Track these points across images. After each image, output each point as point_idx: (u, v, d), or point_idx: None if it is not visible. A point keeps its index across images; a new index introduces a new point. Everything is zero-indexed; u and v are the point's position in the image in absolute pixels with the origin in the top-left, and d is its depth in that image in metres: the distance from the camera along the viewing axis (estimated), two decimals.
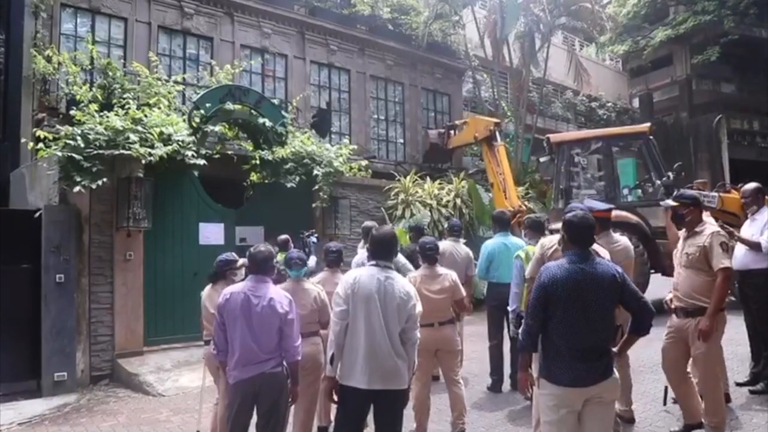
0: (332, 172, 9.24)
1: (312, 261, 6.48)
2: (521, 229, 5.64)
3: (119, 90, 8.43)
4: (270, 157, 8.85)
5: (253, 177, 8.99)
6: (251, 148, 9.26)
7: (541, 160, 11.46)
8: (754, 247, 4.84)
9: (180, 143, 7.55)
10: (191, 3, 11.71)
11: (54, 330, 6.52)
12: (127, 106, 7.57)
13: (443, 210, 10.86)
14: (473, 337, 6.68)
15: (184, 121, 8.25)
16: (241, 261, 4.61)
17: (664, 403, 4.65)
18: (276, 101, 10.54)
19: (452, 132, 13.49)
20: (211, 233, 8.05)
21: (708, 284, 3.86)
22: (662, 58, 24.04)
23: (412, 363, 3.24)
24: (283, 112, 9.70)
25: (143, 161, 7.07)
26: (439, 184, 11.59)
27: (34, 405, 6.06)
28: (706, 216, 4.91)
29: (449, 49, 16.33)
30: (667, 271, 7.20)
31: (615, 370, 2.87)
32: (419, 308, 3.23)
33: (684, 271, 4.00)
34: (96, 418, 5.61)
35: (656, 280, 8.51)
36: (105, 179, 6.77)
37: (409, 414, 3.86)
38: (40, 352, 6.46)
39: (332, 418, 3.78)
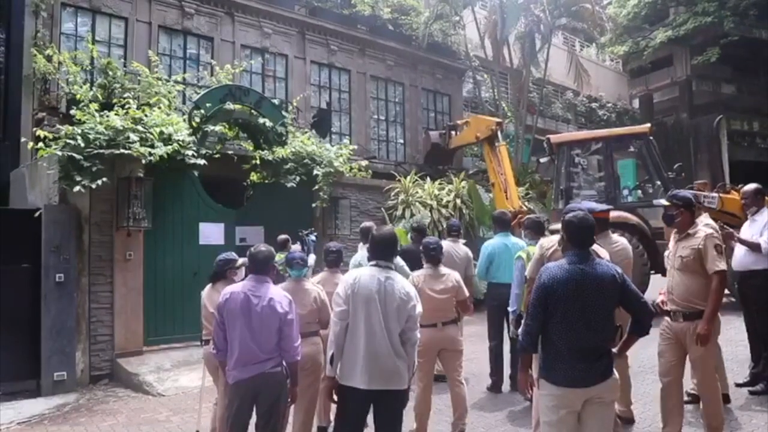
0: (332, 172, 9.24)
1: (311, 259, 6.48)
2: (521, 230, 5.63)
3: (119, 90, 8.44)
4: (270, 157, 8.85)
5: (253, 177, 8.99)
6: (251, 148, 9.26)
7: (541, 160, 11.46)
8: (754, 248, 4.83)
9: (180, 143, 7.55)
10: (192, 3, 11.72)
11: (54, 330, 6.52)
12: (127, 106, 7.56)
13: (443, 210, 10.85)
14: (473, 338, 6.68)
15: (184, 121, 8.25)
16: (241, 260, 4.61)
17: None
18: (276, 101, 10.54)
19: (453, 132, 13.48)
20: (211, 233, 8.04)
21: (704, 287, 3.80)
22: (662, 59, 24.05)
23: (412, 363, 3.24)
24: (284, 112, 9.71)
25: (143, 161, 7.07)
26: (439, 184, 11.59)
27: (33, 404, 6.06)
28: (705, 217, 4.92)
29: (449, 50, 16.35)
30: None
31: (615, 370, 2.87)
32: (419, 309, 3.23)
33: (678, 274, 3.93)
34: (96, 418, 5.60)
35: (656, 280, 8.50)
36: (105, 179, 6.76)
37: (409, 414, 3.86)
38: (39, 351, 6.45)
39: (332, 418, 3.79)
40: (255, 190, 9.11)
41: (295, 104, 11.53)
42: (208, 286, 4.58)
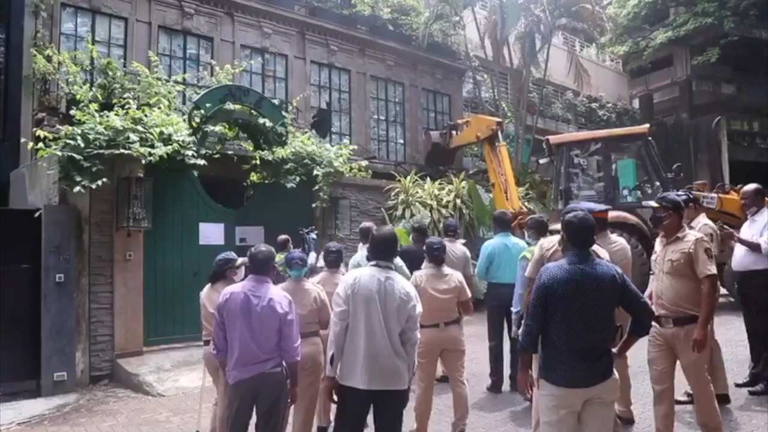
0: (332, 172, 9.24)
1: (312, 258, 6.47)
2: (521, 231, 5.63)
3: (119, 90, 8.43)
4: (270, 158, 8.85)
5: (253, 177, 8.99)
6: (251, 148, 9.26)
7: (541, 161, 11.48)
8: (754, 248, 4.82)
9: (180, 143, 7.55)
10: (191, 3, 11.72)
11: (54, 330, 6.52)
12: (127, 106, 7.56)
13: (443, 210, 10.86)
14: (473, 338, 6.65)
15: (184, 121, 8.25)
16: (241, 260, 4.61)
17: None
18: (276, 101, 10.53)
19: (454, 132, 13.49)
20: (211, 233, 8.04)
21: (694, 291, 3.74)
22: (662, 59, 24.05)
23: (412, 363, 3.24)
24: (284, 113, 9.70)
25: (143, 161, 7.07)
26: (439, 184, 11.60)
27: (33, 405, 6.06)
28: (703, 217, 4.93)
29: (449, 50, 16.34)
30: None
31: (614, 370, 2.87)
32: (419, 309, 3.23)
33: (667, 278, 3.85)
34: (96, 418, 5.60)
35: None
36: (105, 179, 6.76)
37: (409, 414, 3.86)
38: (39, 352, 6.45)
39: (332, 418, 3.79)
40: (255, 190, 9.11)
41: (295, 104, 11.53)
42: (207, 287, 4.58)
